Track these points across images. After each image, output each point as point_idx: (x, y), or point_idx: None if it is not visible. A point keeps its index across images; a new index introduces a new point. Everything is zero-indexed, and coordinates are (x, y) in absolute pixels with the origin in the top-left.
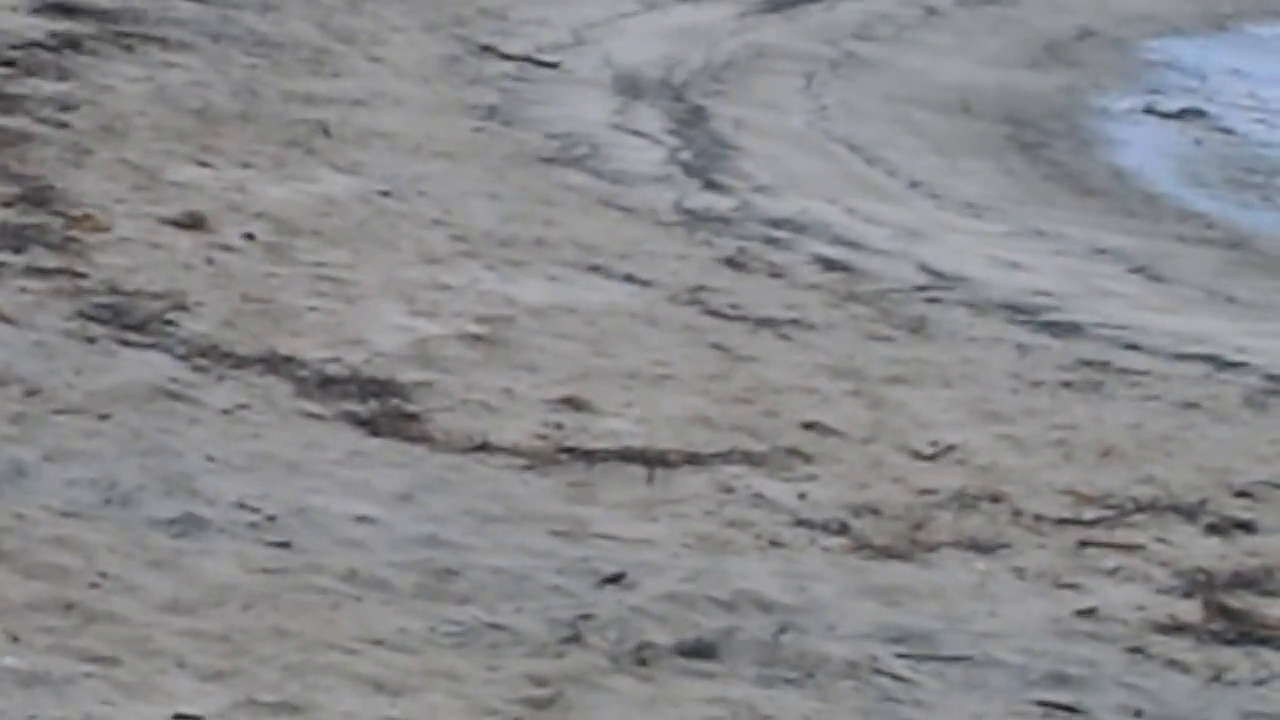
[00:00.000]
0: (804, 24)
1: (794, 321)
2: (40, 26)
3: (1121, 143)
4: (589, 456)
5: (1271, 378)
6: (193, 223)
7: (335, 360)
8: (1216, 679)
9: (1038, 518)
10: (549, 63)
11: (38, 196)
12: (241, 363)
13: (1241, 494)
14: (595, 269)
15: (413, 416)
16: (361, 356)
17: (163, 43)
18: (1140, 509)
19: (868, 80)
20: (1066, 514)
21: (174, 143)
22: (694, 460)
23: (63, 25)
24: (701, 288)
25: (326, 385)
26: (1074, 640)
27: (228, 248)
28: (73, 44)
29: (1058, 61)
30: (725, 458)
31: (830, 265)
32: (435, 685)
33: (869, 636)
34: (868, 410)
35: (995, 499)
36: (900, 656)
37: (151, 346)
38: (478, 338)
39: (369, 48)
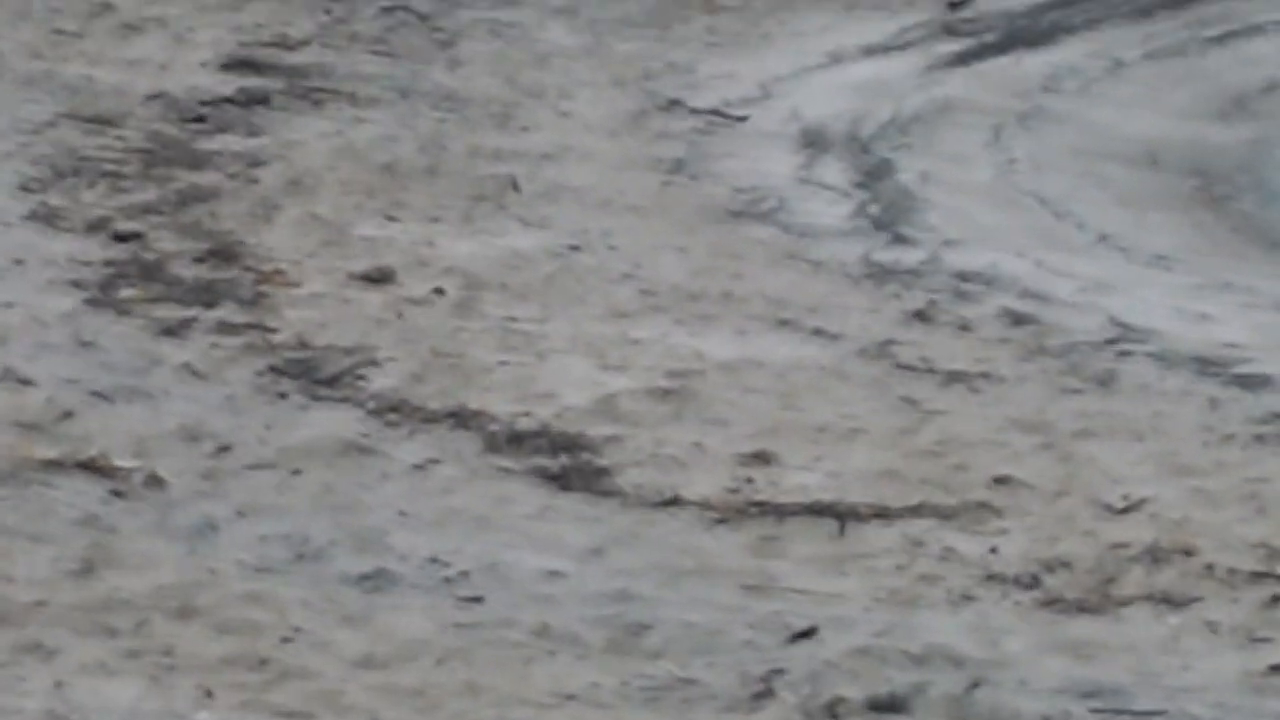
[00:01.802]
0: (990, 77)
1: (983, 375)
2: (229, 83)
3: None
4: (779, 511)
5: None
6: (381, 278)
7: (524, 415)
8: None
9: (1230, 571)
10: (736, 117)
11: (228, 252)
12: (431, 418)
13: None
14: (783, 323)
15: (602, 471)
16: (551, 411)
17: (351, 98)
18: None
19: (1055, 133)
20: (1259, 568)
21: (362, 198)
22: (883, 514)
23: (251, 81)
24: (890, 341)
25: (516, 440)
26: (1267, 695)
27: (416, 302)
28: (261, 100)
29: (1245, 114)
30: (915, 512)
31: (1019, 319)
32: None
33: (1061, 692)
34: (1058, 464)
35: (1187, 553)
36: (1094, 712)
37: (341, 401)
38: (667, 392)
39: (557, 102)
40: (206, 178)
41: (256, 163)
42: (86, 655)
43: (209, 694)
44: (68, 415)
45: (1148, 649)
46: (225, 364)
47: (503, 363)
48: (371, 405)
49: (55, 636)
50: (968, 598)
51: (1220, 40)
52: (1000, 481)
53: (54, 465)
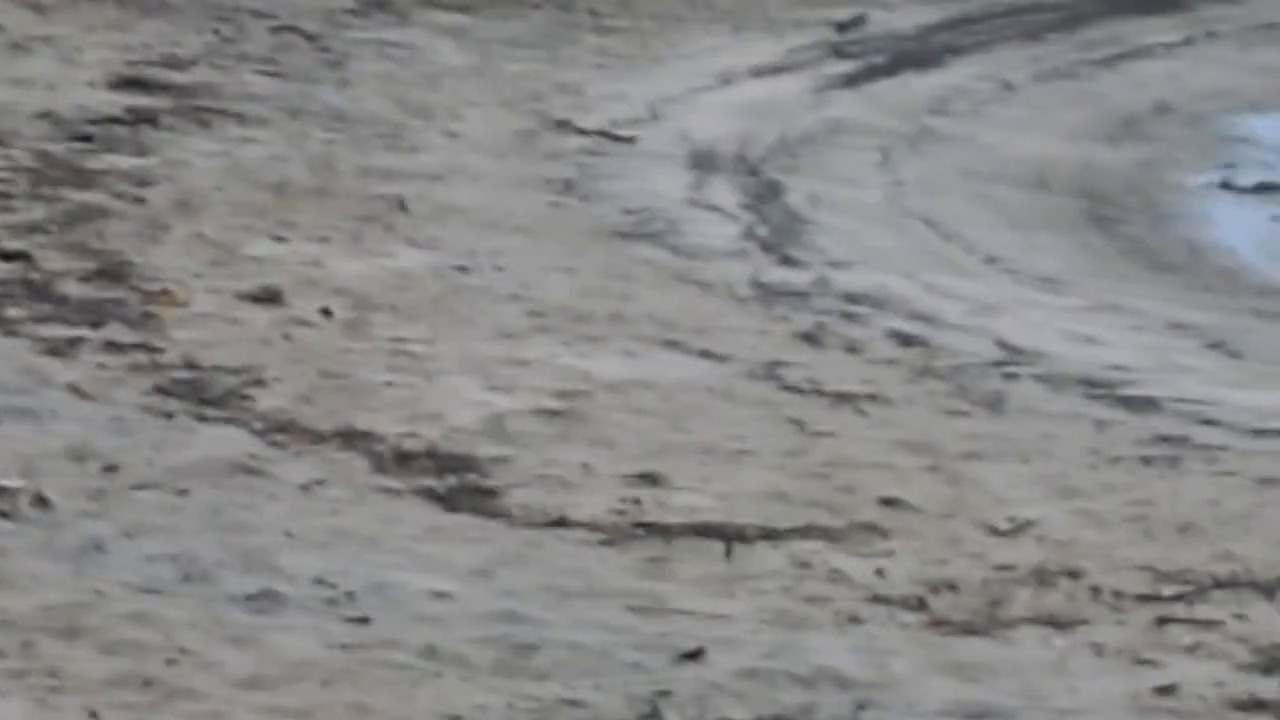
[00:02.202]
0: (879, 99)
1: (870, 397)
2: (116, 102)
3: (1198, 218)
4: (666, 532)
5: None
6: (269, 298)
7: (412, 435)
8: None
9: (1116, 594)
10: (625, 137)
11: (115, 272)
12: (318, 438)
13: None
14: (671, 344)
15: (490, 492)
16: (438, 432)
17: (239, 118)
18: (1219, 585)
19: (944, 155)
20: (1145, 590)
21: (250, 218)
22: (771, 536)
23: (139, 100)
24: (778, 363)
25: (403, 461)
26: (1153, 717)
27: (304, 323)
28: (149, 119)
29: (1134, 137)
30: (802, 533)
31: (907, 340)
32: None
33: (948, 714)
34: (945, 486)
35: (1073, 575)
36: None
37: (229, 422)
38: (554, 413)
39: (445, 123)
40: (94, 197)
41: (144, 182)
42: None
43: (94, 715)
44: None
45: (1034, 671)
46: (112, 384)
47: (390, 383)
48: (259, 425)
49: None
50: (855, 619)
51: (1109, 63)
52: (888, 503)
53: None
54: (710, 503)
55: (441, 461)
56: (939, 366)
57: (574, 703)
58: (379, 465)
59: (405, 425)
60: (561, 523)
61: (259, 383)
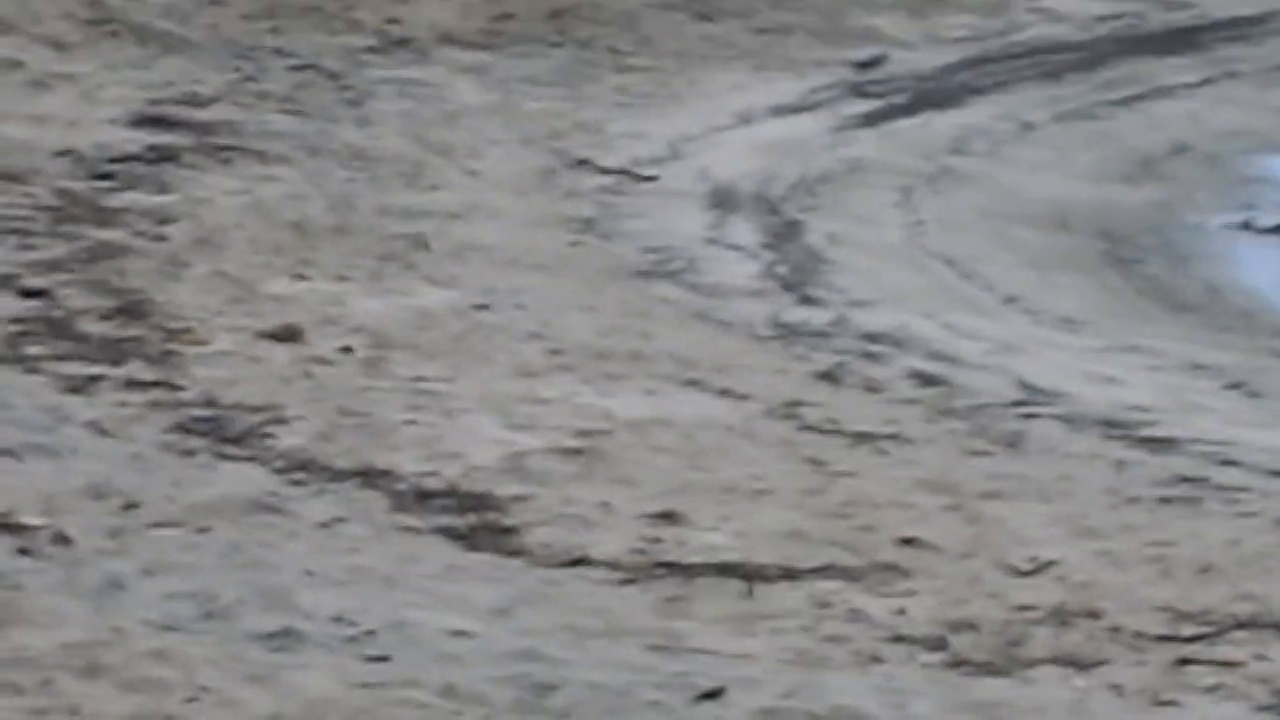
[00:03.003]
0: (899, 138)
1: (890, 436)
2: (138, 139)
3: (1217, 258)
4: (686, 571)
5: None
6: (290, 336)
7: (432, 474)
8: None
9: (1136, 634)
10: (645, 176)
11: (136, 310)
12: (338, 476)
13: None
14: (691, 383)
15: (509, 530)
16: (458, 470)
17: (260, 156)
18: (1239, 626)
19: (963, 195)
20: (1165, 631)
21: (271, 256)
22: (791, 575)
23: (160, 138)
24: (798, 402)
25: (423, 499)
26: None
27: (324, 361)
28: (170, 157)
29: (1152, 177)
30: (822, 573)
31: (926, 380)
32: None
33: None
34: (965, 525)
35: (1093, 615)
36: None
37: (249, 460)
38: (574, 451)
39: (465, 161)
40: (115, 235)
41: (165, 220)
42: None
43: None
44: None
45: (1055, 711)
46: (133, 421)
47: (410, 421)
48: (279, 463)
49: None
50: (875, 659)
51: (1127, 103)
52: (907, 543)
53: None
54: (730, 541)
55: (461, 500)
56: (959, 406)
57: None
58: (399, 503)
59: (425, 464)
60: (581, 561)
61: (279, 421)
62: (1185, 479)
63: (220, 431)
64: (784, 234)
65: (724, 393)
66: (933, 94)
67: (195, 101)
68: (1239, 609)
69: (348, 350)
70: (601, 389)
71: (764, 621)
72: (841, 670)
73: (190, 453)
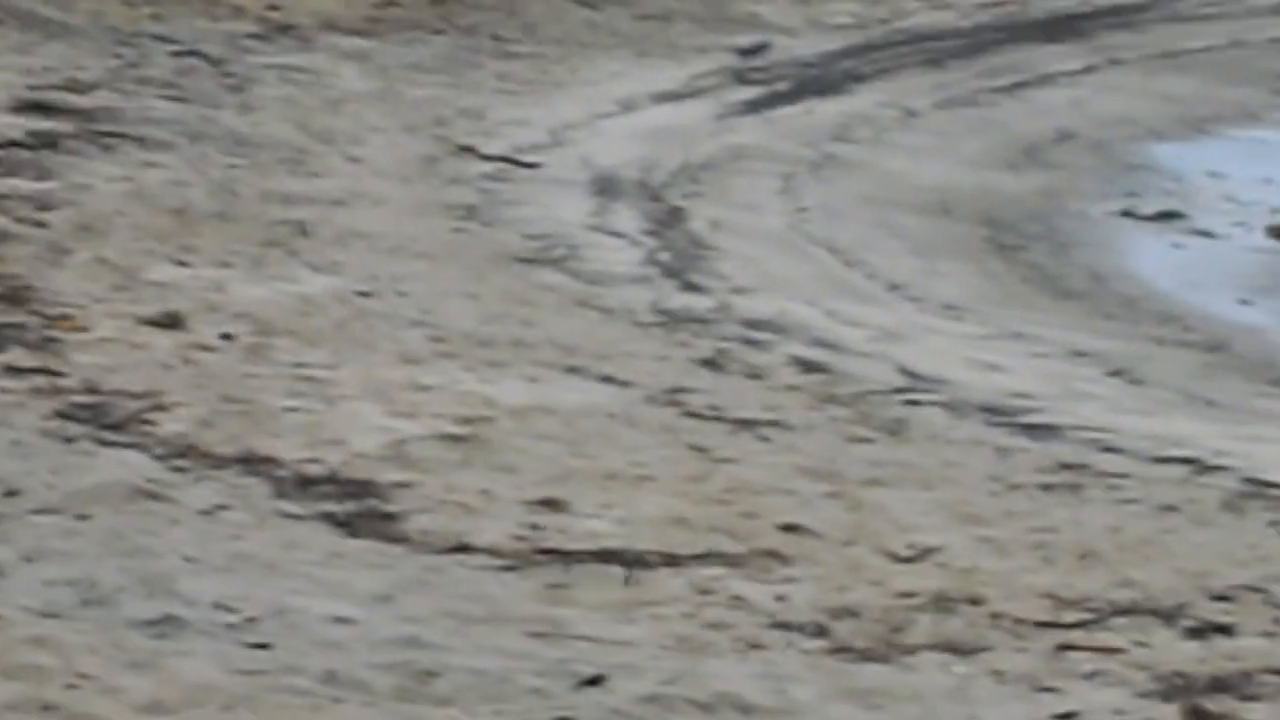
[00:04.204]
0: (782, 125)
1: (773, 423)
2: (19, 125)
3: (1100, 245)
4: (567, 557)
5: (1250, 481)
6: (171, 322)
7: (314, 461)
8: None
9: (1017, 621)
10: (528, 163)
11: (16, 296)
12: (220, 463)
13: (1220, 598)
14: (573, 370)
15: (391, 517)
16: (340, 457)
17: (141, 142)
18: (1119, 612)
19: (846, 182)
20: (1046, 617)
21: (152, 242)
22: (672, 562)
23: (41, 124)
24: (680, 389)
25: (305, 486)
26: None
27: (206, 347)
28: (51, 143)
29: (1036, 164)
30: (703, 559)
31: (809, 367)
32: None
33: None
34: (847, 512)
35: (974, 602)
36: None
37: (130, 446)
38: (456, 438)
39: (348, 148)
40: None
41: (46, 206)
42: None
43: None
44: None
45: (935, 698)
46: (12, 408)
47: (292, 408)
48: (160, 450)
49: None
50: (756, 645)
51: (1011, 90)
52: (789, 529)
53: None
54: (612, 528)
55: (343, 487)
56: (841, 393)
57: None
58: (280, 490)
59: (307, 450)
60: (463, 548)
61: (160, 407)
62: (1067, 466)
63: (101, 418)
64: (666, 221)
65: (606, 379)
66: (816, 81)
67: (76, 87)
68: (1120, 595)
69: (229, 337)
70: (484, 376)
71: (645, 608)
72: (723, 657)
73: (71, 439)
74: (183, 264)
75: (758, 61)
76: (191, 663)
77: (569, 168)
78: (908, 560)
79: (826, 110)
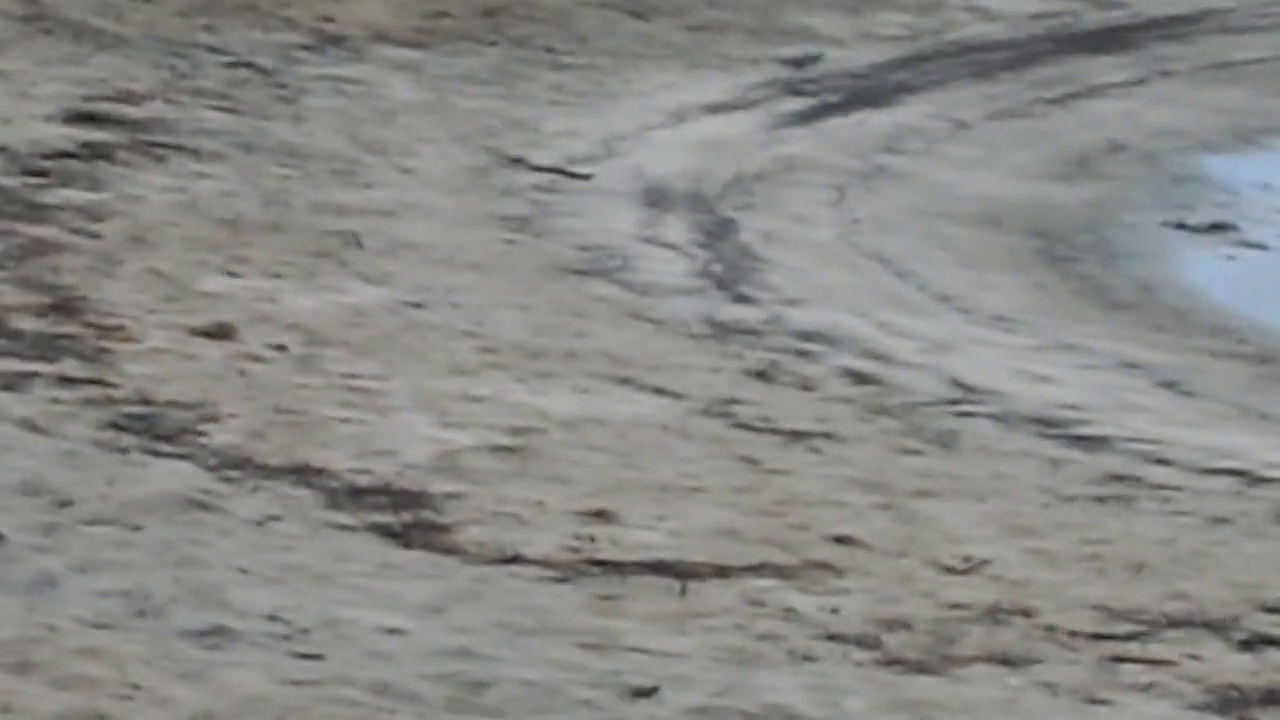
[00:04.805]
0: (833, 137)
1: (824, 435)
2: (72, 137)
3: (1150, 257)
4: (619, 569)
5: None
6: (223, 333)
7: (365, 472)
8: None
9: (1069, 633)
10: (579, 174)
11: (69, 307)
12: (272, 474)
13: (1272, 610)
14: (625, 381)
15: (443, 528)
16: (392, 468)
17: (194, 153)
18: (1172, 625)
19: (897, 193)
20: (1098, 629)
21: (204, 253)
22: (724, 573)
23: (94, 135)
24: (731, 400)
25: (357, 497)
26: None
27: (258, 358)
28: (104, 154)
29: (1087, 175)
30: (755, 571)
31: (860, 378)
32: None
33: None
34: (898, 524)
35: (1026, 614)
36: None
37: (182, 457)
38: (508, 449)
39: (399, 159)
40: (47, 231)
41: (98, 217)
42: None
43: None
44: None
45: (987, 710)
46: (66, 419)
47: (344, 419)
48: (212, 461)
49: None
50: (808, 657)
51: (1061, 101)
52: (841, 541)
53: None
54: (663, 540)
55: (395, 498)
56: (892, 405)
57: None
58: (332, 501)
59: (358, 461)
60: (515, 559)
61: (212, 418)
62: (1118, 478)
63: (153, 429)
64: (718, 232)
65: (658, 391)
66: (867, 92)
67: (129, 99)
68: (1171, 608)
69: (281, 348)
70: (535, 387)
71: (697, 620)
72: (774, 669)
73: (123, 450)
74: (234, 275)
75: (809, 73)
76: (242, 674)
77: (620, 179)
78: (959, 572)
79: (877, 122)
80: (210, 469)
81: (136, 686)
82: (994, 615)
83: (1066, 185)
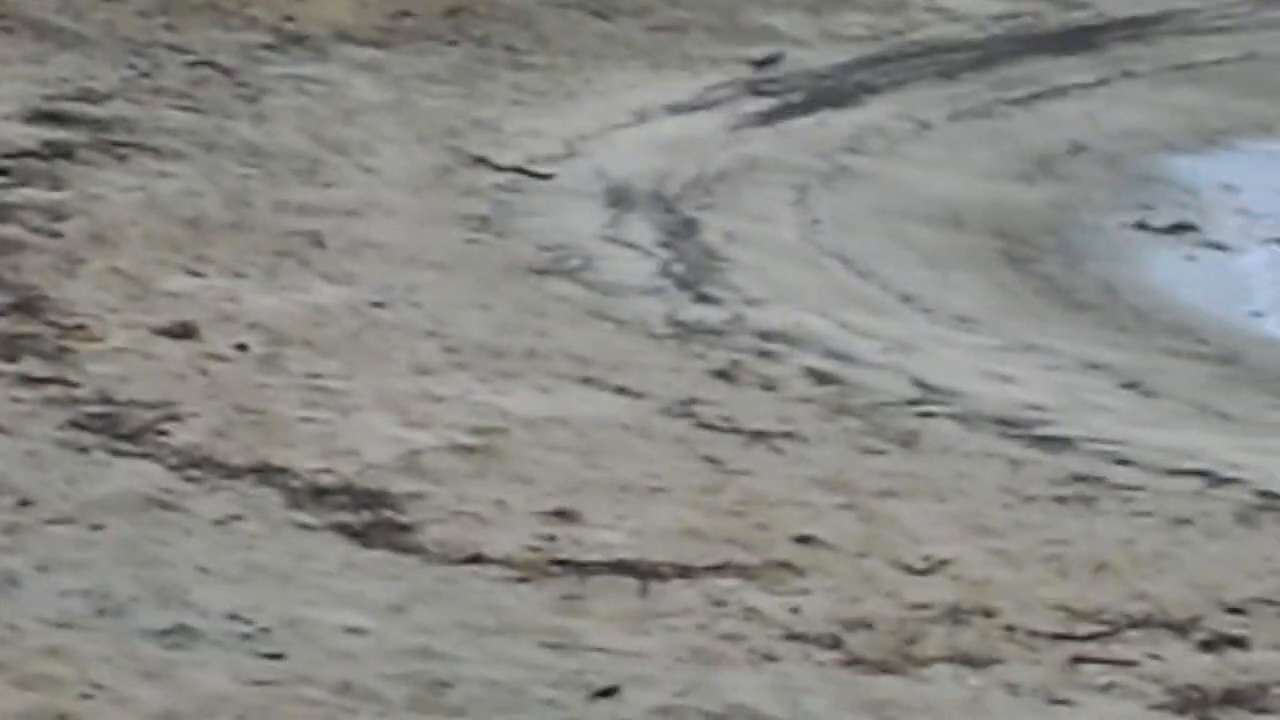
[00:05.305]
0: (795, 137)
1: (786, 434)
2: (33, 135)
3: (1112, 257)
4: (581, 569)
5: (1263, 494)
6: (185, 332)
7: (327, 471)
8: None
9: (1030, 633)
10: (542, 174)
11: (30, 306)
12: (234, 473)
13: (1234, 610)
14: (587, 381)
15: (405, 528)
16: (354, 467)
17: (155, 152)
18: (1133, 625)
19: (859, 193)
20: (1059, 629)
21: (166, 252)
22: (686, 573)
23: (56, 134)
24: (693, 400)
25: (319, 496)
26: None
27: (220, 357)
28: (65, 153)
29: (1049, 176)
30: (717, 571)
31: (822, 378)
32: None
33: None
34: (860, 524)
35: (988, 614)
36: None
37: (144, 456)
38: (470, 449)
39: (362, 158)
40: (9, 230)
41: (60, 216)
42: None
43: None
44: None
45: (949, 710)
46: (27, 418)
47: (306, 419)
48: (174, 460)
49: None
50: (770, 657)
51: (1024, 102)
52: (802, 541)
53: None
54: (625, 540)
55: (357, 497)
56: (854, 404)
57: None
58: (294, 501)
59: (321, 461)
60: (477, 559)
61: (174, 417)
62: (1080, 478)
63: (115, 428)
64: (680, 232)
65: (620, 391)
66: (829, 92)
67: (90, 97)
68: (1133, 608)
69: (243, 347)
70: (497, 387)
71: (659, 619)
72: (736, 668)
73: (85, 449)
74: (196, 274)
75: (771, 73)
76: (205, 673)
77: (583, 179)
78: (921, 572)
79: (839, 122)
80: (172, 468)
81: (98, 686)
82: (955, 615)
83: (1028, 186)
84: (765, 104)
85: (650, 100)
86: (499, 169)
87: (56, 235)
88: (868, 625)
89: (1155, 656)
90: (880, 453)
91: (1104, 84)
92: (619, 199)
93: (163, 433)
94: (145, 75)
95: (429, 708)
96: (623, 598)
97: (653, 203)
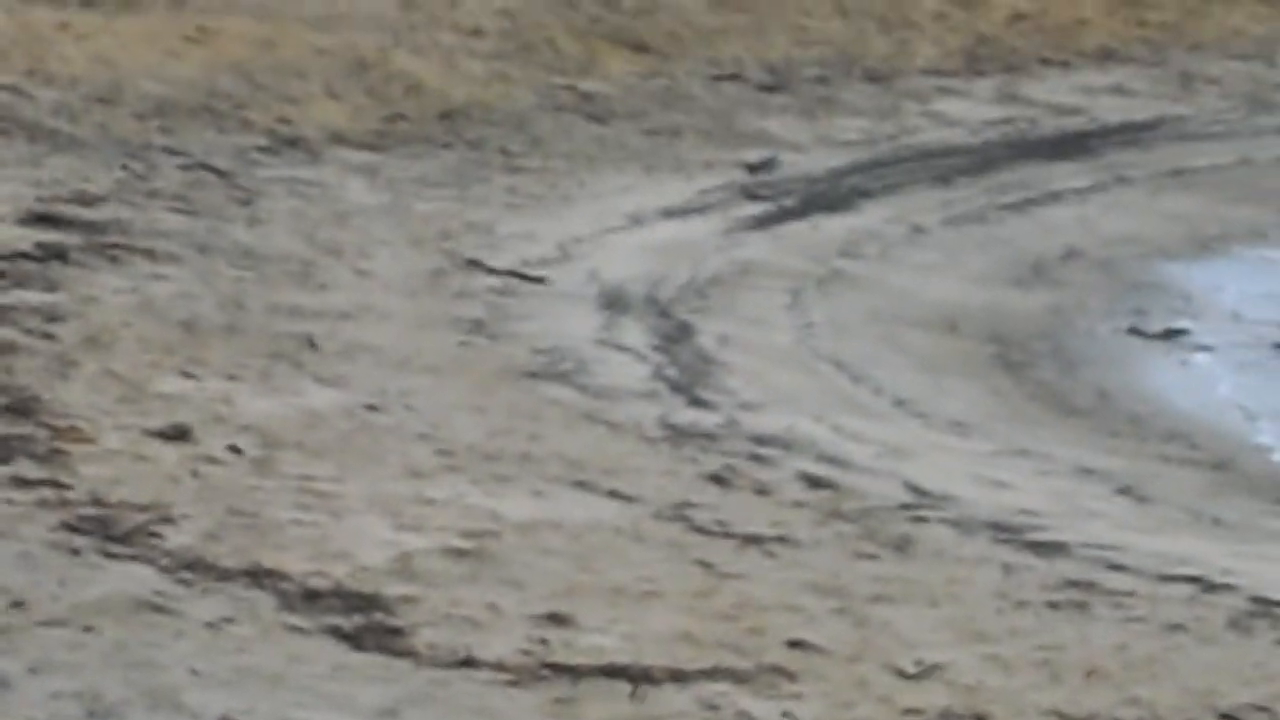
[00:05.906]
0: (790, 241)
1: (779, 539)
2: (27, 237)
3: (1107, 363)
4: (573, 673)
5: (1256, 600)
6: (178, 435)
7: (319, 574)
8: None
9: None
10: (535, 277)
11: (23, 407)
12: (226, 576)
13: (1226, 716)
14: (580, 485)
15: (397, 631)
16: (346, 570)
17: (149, 254)
18: None
19: (854, 298)
20: None
21: (160, 355)
22: (679, 677)
23: (49, 236)
24: (687, 504)
25: (311, 599)
26: None
27: (213, 460)
28: (59, 255)
29: (1043, 281)
30: (710, 675)
31: (816, 483)
32: None
33: None
34: (853, 629)
35: (980, 719)
36: None
37: (136, 559)
38: (462, 552)
39: (355, 261)
40: (2, 332)
41: (54, 318)
42: None
43: None
44: None
45: None
46: (19, 520)
47: (298, 521)
48: (166, 563)
49: None
50: None
51: (1019, 207)
52: (795, 645)
53: None
54: (618, 644)
55: (349, 600)
56: (847, 509)
57: None
58: (286, 603)
59: (313, 564)
60: (469, 663)
61: (167, 520)
62: (1073, 583)
63: (107, 530)
64: (674, 336)
65: (613, 494)
66: (823, 197)
67: (84, 200)
68: (1126, 714)
69: (236, 450)
70: (490, 490)
71: None
72: None
73: (77, 551)
74: (190, 376)
75: (766, 177)
76: None
77: (576, 282)
78: (914, 677)
79: (834, 226)
80: (164, 570)
81: None
82: None
83: (1023, 291)
84: (759, 208)
85: (644, 204)
86: (493, 272)
87: (50, 337)
88: None
89: None
90: (873, 558)
91: (1098, 190)
92: (613, 302)
93: (155, 535)
94: (140, 178)
95: None
96: (615, 702)
97: (647, 306)
